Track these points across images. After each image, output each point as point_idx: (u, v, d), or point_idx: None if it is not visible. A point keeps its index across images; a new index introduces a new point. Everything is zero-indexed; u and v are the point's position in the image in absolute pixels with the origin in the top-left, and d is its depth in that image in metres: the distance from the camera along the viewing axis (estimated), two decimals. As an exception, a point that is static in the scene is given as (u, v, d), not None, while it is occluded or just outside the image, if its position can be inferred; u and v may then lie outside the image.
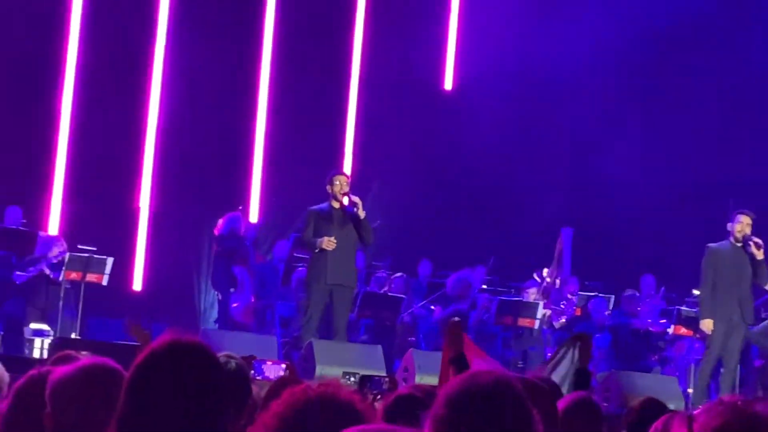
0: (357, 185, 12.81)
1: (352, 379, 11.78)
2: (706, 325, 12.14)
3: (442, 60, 19.74)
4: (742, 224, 12.19)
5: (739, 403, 3.01)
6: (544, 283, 15.13)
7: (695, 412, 3.15)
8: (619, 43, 18.55)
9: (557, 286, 15.82)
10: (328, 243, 12.25)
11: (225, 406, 3.16)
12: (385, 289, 15.04)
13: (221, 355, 5.76)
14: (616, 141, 18.34)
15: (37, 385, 4.25)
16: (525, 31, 18.97)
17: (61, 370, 3.95)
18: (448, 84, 19.75)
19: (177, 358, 3.13)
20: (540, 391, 4.22)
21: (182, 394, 3.08)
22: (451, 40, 19.72)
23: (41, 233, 14.30)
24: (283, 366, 6.59)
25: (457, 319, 6.31)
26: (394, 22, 19.10)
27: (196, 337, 3.27)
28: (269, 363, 6.88)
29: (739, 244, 12.16)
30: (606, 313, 15.25)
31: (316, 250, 12.32)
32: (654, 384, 12.71)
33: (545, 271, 15.38)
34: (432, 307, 15.35)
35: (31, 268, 13.48)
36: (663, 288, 15.85)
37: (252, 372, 6.34)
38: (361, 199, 12.61)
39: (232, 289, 15.73)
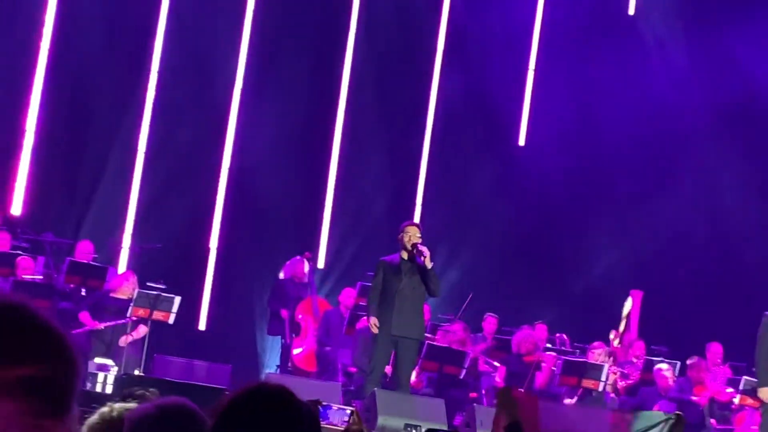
0: (426, 235, 12.75)
1: (414, 431, 11.72)
2: (764, 393, 11.90)
3: (518, 117, 19.79)
4: None
5: None
6: (612, 346, 14.99)
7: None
8: (676, 107, 18.57)
9: (623, 348, 15.69)
10: (373, 327, 12.27)
11: None
12: (451, 341, 14.95)
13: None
14: (683, 204, 18.27)
15: (110, 422, 4.26)
16: (590, 93, 19.00)
17: (139, 408, 3.96)
18: (522, 140, 19.78)
19: (265, 404, 3.13)
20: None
21: None
22: (527, 99, 19.80)
23: (111, 268, 14.42)
24: (348, 411, 6.51)
25: (507, 386, 6.19)
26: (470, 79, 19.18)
27: (283, 386, 3.26)
28: (335, 408, 6.81)
29: None
30: (670, 379, 15.04)
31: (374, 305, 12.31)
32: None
33: (612, 333, 15.25)
34: (496, 364, 15.23)
35: (109, 323, 13.53)
36: (729, 358, 15.65)
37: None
38: (430, 249, 12.56)
39: (295, 335, 15.73)
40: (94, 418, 4.46)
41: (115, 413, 4.37)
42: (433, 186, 19.08)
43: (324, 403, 6.41)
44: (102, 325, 13.46)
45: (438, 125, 19.19)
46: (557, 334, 15.73)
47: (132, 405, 4.32)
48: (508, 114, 19.66)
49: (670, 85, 18.97)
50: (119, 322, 13.43)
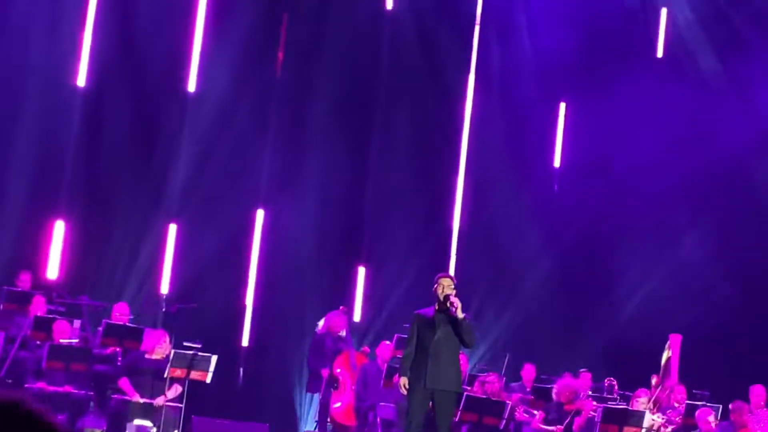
0: (462, 286, 12.71)
1: (454, 485, 11.62)
2: None
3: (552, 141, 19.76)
4: None
5: None
6: (655, 391, 14.84)
7: None
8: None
9: (665, 393, 15.53)
10: (402, 389, 12.21)
11: None
12: (488, 391, 14.86)
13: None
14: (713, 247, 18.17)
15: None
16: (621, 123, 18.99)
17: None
18: (557, 162, 19.74)
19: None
20: None
21: None
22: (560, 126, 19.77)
23: (147, 329, 14.44)
24: None
25: None
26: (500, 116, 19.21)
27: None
28: None
29: None
30: (713, 423, 14.86)
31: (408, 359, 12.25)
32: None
33: (654, 379, 15.11)
34: (534, 412, 15.11)
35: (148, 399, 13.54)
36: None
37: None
38: (466, 300, 12.51)
39: (333, 389, 15.68)
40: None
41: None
42: (467, 236, 19.04)
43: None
44: (142, 400, 13.45)
45: (468, 181, 19.19)
46: (606, 379, 15.58)
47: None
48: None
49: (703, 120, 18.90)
50: (157, 401, 13.40)
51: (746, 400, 15.07)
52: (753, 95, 18.82)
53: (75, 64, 16.94)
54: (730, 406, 14.76)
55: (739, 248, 18.67)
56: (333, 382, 15.69)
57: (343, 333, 16.02)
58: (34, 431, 1.94)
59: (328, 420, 15.76)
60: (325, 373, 15.71)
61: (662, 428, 14.65)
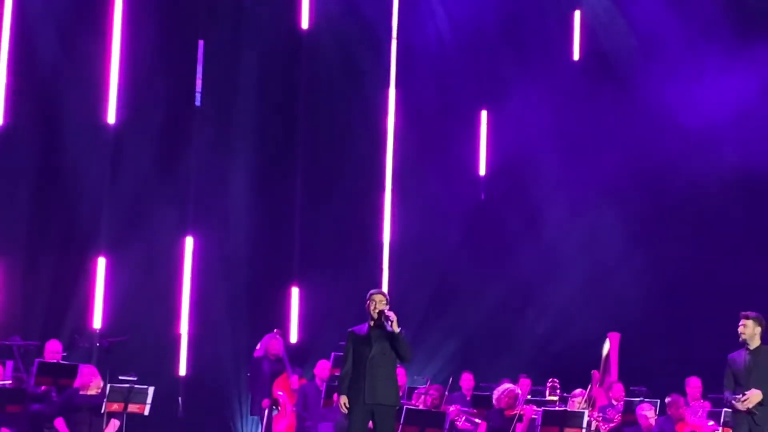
0: (394, 300, 12.74)
1: (399, 500, 11.63)
2: None
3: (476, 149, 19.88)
4: None
5: None
6: (594, 387, 14.95)
7: None
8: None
9: (603, 391, 15.66)
10: (342, 407, 12.22)
11: None
12: (428, 403, 14.89)
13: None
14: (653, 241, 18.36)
15: None
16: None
17: None
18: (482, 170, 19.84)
19: None
20: None
21: None
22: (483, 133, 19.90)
23: (81, 365, 14.29)
24: None
25: None
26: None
27: None
28: None
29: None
30: (652, 419, 15.01)
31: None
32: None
33: (594, 375, 15.22)
34: (477, 420, 15.16)
35: None
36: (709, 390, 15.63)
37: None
38: (399, 314, 12.52)
39: (275, 412, 15.65)
40: None
41: None
42: (398, 249, 19.10)
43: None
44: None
45: (396, 195, 19.26)
46: (549, 380, 15.66)
47: None
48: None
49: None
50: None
51: (683, 393, 15.23)
52: (666, 93, 19.05)
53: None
54: (666, 399, 14.90)
55: (660, 244, 18.87)
56: (273, 404, 15.66)
57: (280, 355, 16.00)
58: None
59: (272, 442, 15.75)
60: (264, 400, 15.67)
61: (601, 426, 14.75)
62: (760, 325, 12.20)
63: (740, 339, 12.13)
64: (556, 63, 19.83)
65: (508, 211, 19.04)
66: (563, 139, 19.26)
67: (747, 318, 12.22)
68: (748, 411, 11.65)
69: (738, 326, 12.15)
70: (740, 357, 12.07)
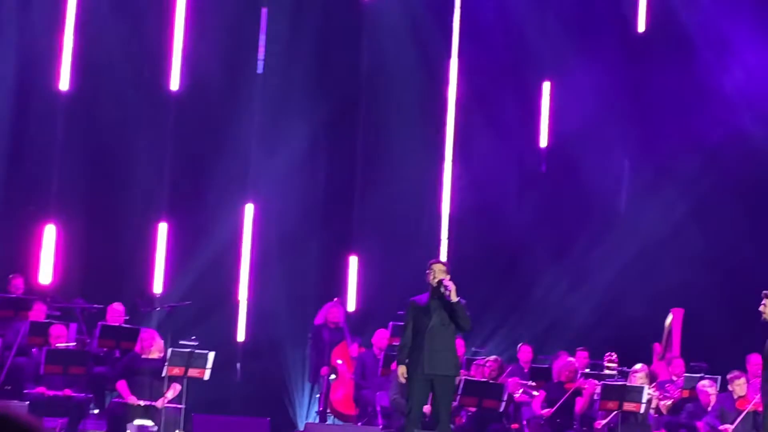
0: (453, 269, 12.72)
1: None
2: None
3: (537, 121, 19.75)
4: None
5: None
6: (655, 360, 14.90)
7: None
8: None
9: (664, 366, 15.59)
10: (401, 377, 12.25)
11: None
12: (486, 374, 14.89)
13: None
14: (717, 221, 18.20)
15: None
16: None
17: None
18: (544, 141, 19.70)
19: None
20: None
21: None
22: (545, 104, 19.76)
23: (143, 329, 14.45)
24: None
25: None
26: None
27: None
28: None
29: None
30: (713, 395, 14.92)
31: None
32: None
33: (656, 348, 15.17)
34: (534, 393, 15.15)
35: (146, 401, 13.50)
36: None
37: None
38: (459, 285, 12.51)
39: (332, 378, 15.72)
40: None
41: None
42: (457, 220, 19.06)
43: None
44: (140, 402, 13.44)
45: (456, 165, 19.19)
46: (607, 354, 15.60)
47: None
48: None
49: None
50: (158, 403, 13.40)
51: (744, 370, 15.12)
52: (731, 68, 18.81)
53: (56, 68, 16.91)
54: (728, 376, 14.81)
55: (722, 219, 18.66)
56: (332, 372, 15.74)
57: (340, 323, 16.07)
58: None
59: (329, 410, 15.81)
60: (323, 368, 15.75)
61: (660, 402, 14.69)
62: None
63: (762, 318, 12.09)
64: (620, 35, 19.65)
65: (568, 184, 18.93)
66: (625, 113, 19.09)
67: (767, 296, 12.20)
68: None
69: (760, 305, 12.14)
70: None
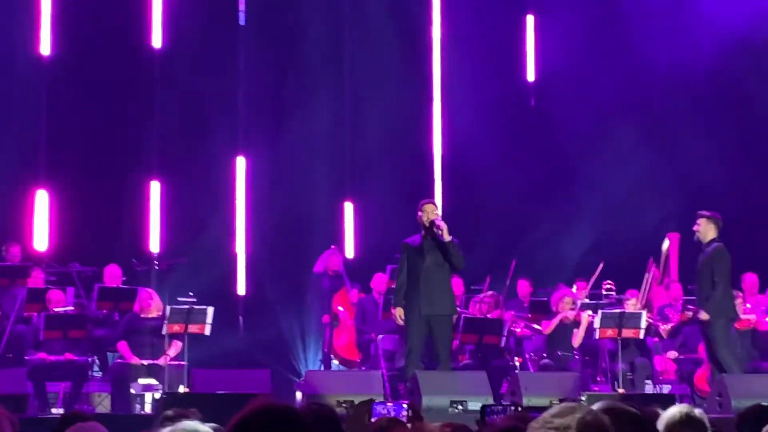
0: (446, 208, 12.76)
1: (460, 407, 11.73)
2: None
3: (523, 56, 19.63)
4: None
5: None
6: (646, 289, 14.94)
7: None
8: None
9: (662, 290, 15.63)
10: (398, 319, 12.34)
11: None
12: (484, 311, 14.93)
13: (312, 402, 5.75)
14: (714, 146, 18.19)
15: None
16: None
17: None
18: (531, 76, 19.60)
19: (266, 423, 3.13)
20: (631, 418, 4.09)
21: None
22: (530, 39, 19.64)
23: (141, 289, 14.47)
24: (405, 406, 6.45)
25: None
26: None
27: (288, 403, 3.27)
28: (390, 404, 6.73)
29: None
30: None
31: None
32: (764, 386, 12.42)
33: (651, 271, 15.20)
34: (536, 326, 15.21)
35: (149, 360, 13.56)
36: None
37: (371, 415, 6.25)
38: (450, 224, 12.53)
39: (335, 326, 15.79)
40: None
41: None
42: (448, 160, 19.03)
43: (377, 401, 6.36)
44: (142, 362, 13.50)
45: (445, 105, 19.14)
46: (603, 283, 15.64)
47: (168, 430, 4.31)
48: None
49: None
50: (161, 361, 13.46)
51: (740, 289, 15.16)
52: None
53: (36, 32, 16.84)
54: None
55: (722, 139, 18.65)
56: (333, 319, 15.80)
57: (339, 270, 16.11)
58: None
59: (333, 357, 15.89)
60: (325, 316, 15.81)
61: (659, 326, 14.75)
62: (713, 222, 12.55)
63: (695, 237, 12.90)
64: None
65: (559, 117, 18.85)
66: (612, 43, 18.94)
67: (700, 216, 12.57)
68: None
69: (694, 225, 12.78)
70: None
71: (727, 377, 12.59)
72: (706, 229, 12.89)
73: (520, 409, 6.19)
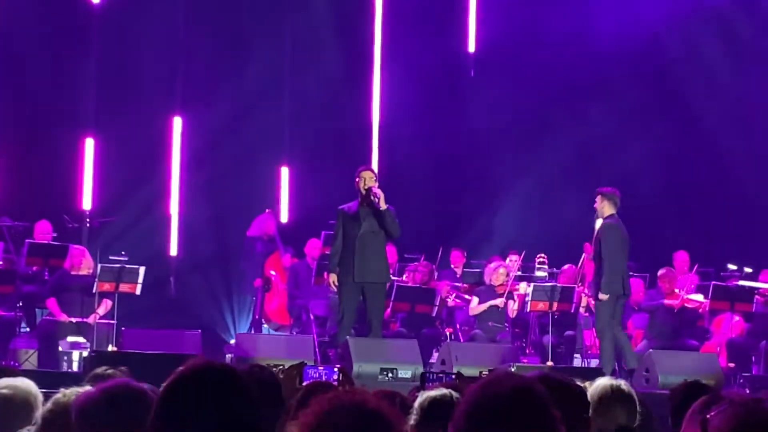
0: (383, 176, 12.71)
1: (390, 375, 11.75)
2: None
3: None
4: None
5: (751, 402, 2.94)
6: (581, 266, 15.04)
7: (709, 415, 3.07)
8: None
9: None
10: (331, 285, 12.35)
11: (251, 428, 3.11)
12: (417, 280, 14.96)
13: (253, 365, 5.72)
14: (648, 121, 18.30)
15: (63, 408, 4.23)
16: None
17: (84, 394, 3.93)
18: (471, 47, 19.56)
19: (205, 382, 3.09)
20: (567, 391, 4.11)
21: (207, 418, 3.05)
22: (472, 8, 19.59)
23: (72, 246, 14.31)
24: (336, 370, 6.43)
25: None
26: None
27: (224, 363, 3.24)
28: (321, 368, 6.71)
29: None
30: (642, 292, 15.13)
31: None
32: (693, 362, 12.59)
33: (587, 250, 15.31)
34: (467, 297, 15.26)
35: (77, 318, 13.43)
36: (696, 264, 15.74)
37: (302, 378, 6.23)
38: (384, 191, 12.51)
39: (266, 290, 15.74)
40: (47, 405, 4.43)
41: (67, 399, 4.34)
42: (386, 129, 18.99)
43: (308, 364, 6.34)
44: (71, 319, 13.37)
45: (385, 72, 19.07)
46: (537, 256, 15.71)
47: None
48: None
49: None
50: (90, 320, 13.35)
51: (671, 266, 15.33)
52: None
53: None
54: (658, 273, 15.01)
55: (653, 125, 18.77)
56: (265, 283, 15.76)
57: (273, 234, 16.05)
58: None
59: (264, 321, 15.86)
60: (257, 279, 15.76)
61: (590, 301, 14.85)
62: (609, 200, 12.70)
63: (595, 215, 13.06)
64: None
65: (498, 89, 18.86)
66: (555, 15, 18.95)
67: (598, 194, 12.72)
68: None
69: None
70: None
71: (655, 353, 12.74)
72: (602, 206, 12.99)
73: (459, 376, 6.20)
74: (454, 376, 6.28)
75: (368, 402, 2.99)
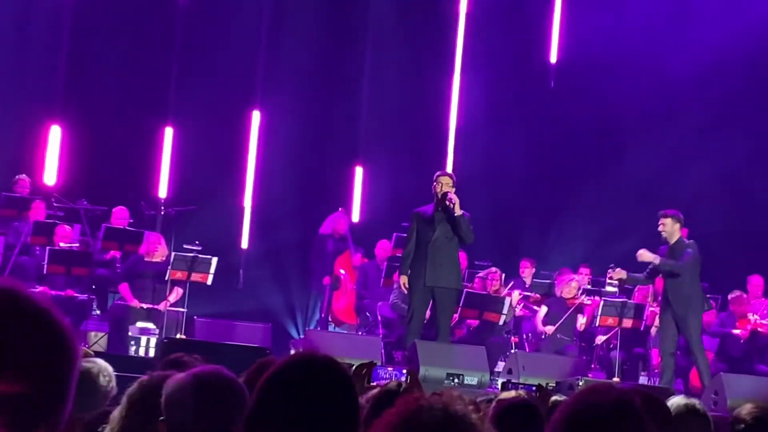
0: (459, 182, 12.70)
1: (456, 381, 11.74)
2: None
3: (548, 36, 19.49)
4: None
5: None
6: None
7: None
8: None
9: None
10: (402, 287, 12.35)
11: (353, 426, 3.11)
12: (488, 288, 14.93)
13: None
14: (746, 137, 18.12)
15: (150, 392, 4.27)
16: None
17: (176, 378, 3.94)
18: (553, 57, 19.45)
19: (312, 374, 3.10)
20: (657, 406, 4.10)
21: (311, 410, 3.06)
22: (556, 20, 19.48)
23: (147, 232, 14.46)
24: (405, 372, 6.43)
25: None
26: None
27: (330, 357, 3.23)
28: (390, 369, 6.71)
29: None
30: (712, 314, 14.98)
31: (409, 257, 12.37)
32: (762, 387, 12.43)
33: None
34: (535, 308, 15.20)
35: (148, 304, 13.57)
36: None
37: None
38: (463, 197, 12.52)
39: (335, 289, 15.78)
40: (133, 388, 4.47)
41: (154, 383, 4.38)
42: (463, 134, 18.96)
43: (379, 364, 6.35)
44: (142, 305, 13.51)
45: (465, 79, 19.03)
46: (609, 269, 15.58)
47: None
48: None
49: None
50: (160, 307, 13.47)
51: (744, 290, 15.16)
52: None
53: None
54: (729, 296, 14.86)
55: (729, 144, 18.53)
56: (335, 282, 15.80)
57: (345, 233, 16.09)
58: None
59: (330, 319, 15.89)
60: (326, 277, 15.80)
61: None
62: (678, 222, 12.55)
63: (663, 238, 12.84)
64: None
65: (578, 102, 18.76)
66: (650, 27, 18.73)
67: (665, 216, 12.56)
68: None
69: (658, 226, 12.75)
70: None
71: (725, 376, 12.61)
72: (674, 228, 12.88)
73: (539, 388, 6.18)
74: (534, 387, 6.25)
75: (454, 404, 2.99)
